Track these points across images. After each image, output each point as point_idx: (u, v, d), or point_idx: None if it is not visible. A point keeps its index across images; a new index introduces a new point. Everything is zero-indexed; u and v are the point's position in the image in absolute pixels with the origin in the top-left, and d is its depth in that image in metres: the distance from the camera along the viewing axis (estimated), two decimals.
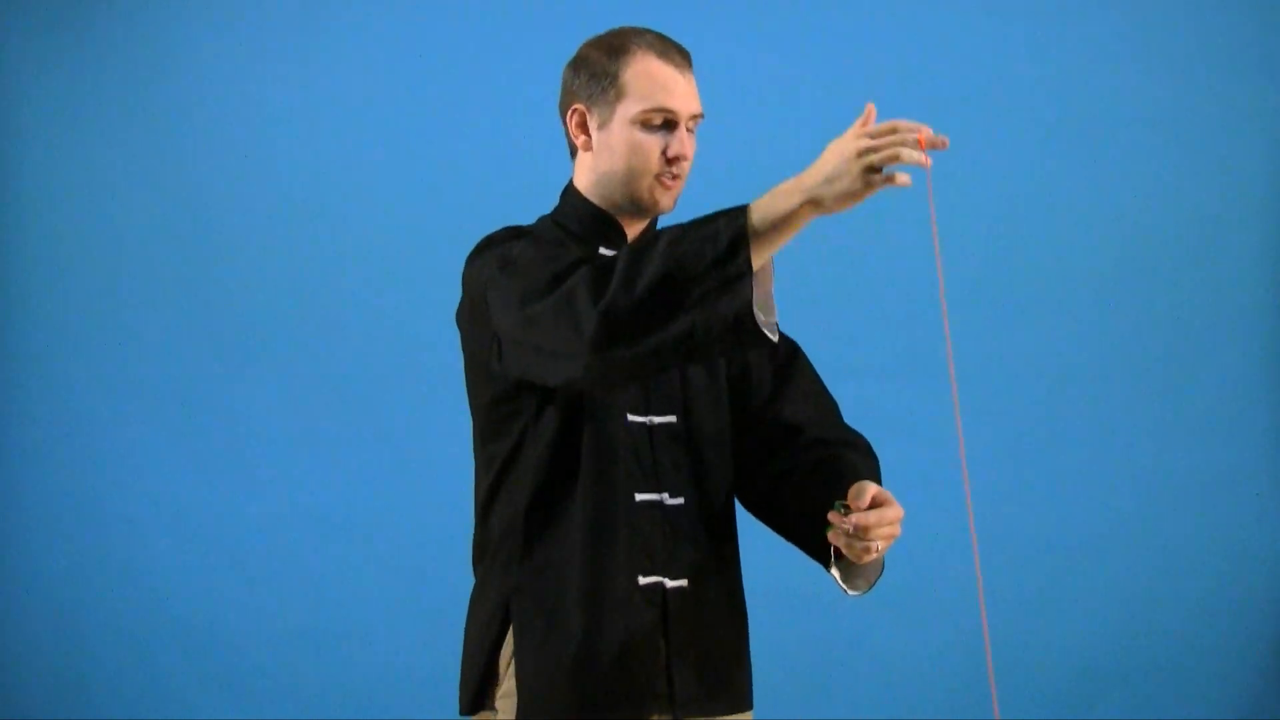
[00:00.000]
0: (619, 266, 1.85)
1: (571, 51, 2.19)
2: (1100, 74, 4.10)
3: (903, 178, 1.76)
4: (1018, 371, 4.07)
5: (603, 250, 2.13)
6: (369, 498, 4.06)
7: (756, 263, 1.81)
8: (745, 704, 2.20)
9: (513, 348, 2.01)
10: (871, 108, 1.83)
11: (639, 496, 2.09)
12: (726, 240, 1.80)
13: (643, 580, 2.09)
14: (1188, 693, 4.01)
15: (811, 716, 3.88)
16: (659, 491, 2.11)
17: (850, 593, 2.14)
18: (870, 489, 1.99)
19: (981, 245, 4.09)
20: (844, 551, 2.02)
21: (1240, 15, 4.08)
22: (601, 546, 2.08)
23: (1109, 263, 4.10)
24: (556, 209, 2.20)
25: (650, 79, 2.09)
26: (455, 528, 3.88)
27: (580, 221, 2.16)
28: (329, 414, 4.08)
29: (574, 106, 2.14)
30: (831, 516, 2.00)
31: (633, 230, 2.17)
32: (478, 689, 2.12)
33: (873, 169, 1.77)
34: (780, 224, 1.82)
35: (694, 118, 2.12)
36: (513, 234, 2.13)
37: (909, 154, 1.75)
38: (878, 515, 1.97)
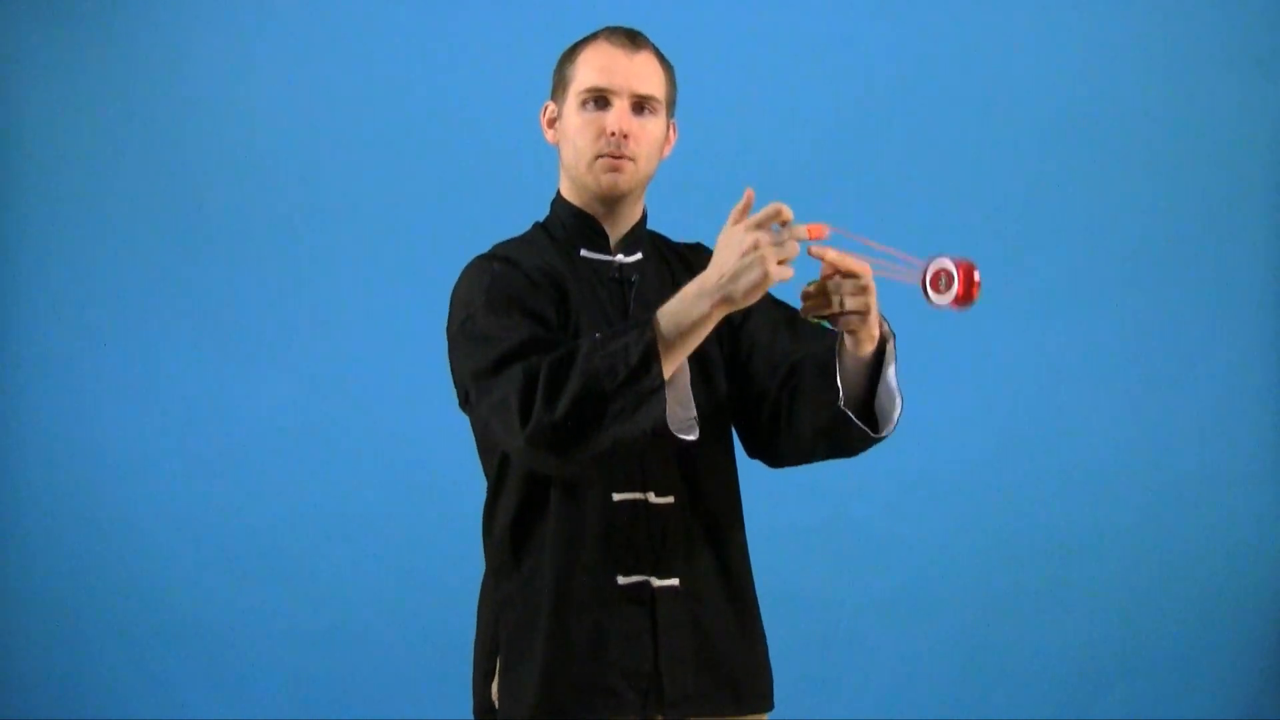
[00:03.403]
0: (541, 380, 1.92)
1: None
2: (1100, 74, 4.10)
3: (790, 270, 1.86)
4: (1018, 371, 4.07)
5: (584, 252, 2.17)
6: (369, 498, 4.06)
7: (669, 369, 1.90)
8: (756, 704, 2.17)
9: (475, 403, 2.07)
10: (750, 193, 1.89)
11: (616, 497, 2.09)
12: (638, 355, 1.88)
13: (623, 580, 2.09)
14: (1188, 693, 4.01)
15: (812, 716, 3.88)
16: (642, 491, 2.10)
17: (874, 434, 2.06)
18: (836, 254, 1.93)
19: (981, 244, 4.08)
20: (832, 323, 1.96)
21: (1240, 15, 4.08)
22: (573, 551, 2.09)
23: (1109, 262, 4.10)
24: (548, 215, 2.24)
25: (594, 61, 2.13)
26: (455, 528, 3.89)
27: (563, 225, 2.20)
28: (329, 414, 4.08)
29: (545, 105, 2.22)
30: (803, 296, 1.92)
31: (616, 227, 2.19)
32: (482, 707, 2.16)
33: (773, 259, 1.84)
34: (691, 329, 1.91)
35: (642, 97, 2.12)
36: (487, 267, 2.13)
37: (796, 245, 1.85)
38: (837, 256, 1.92)
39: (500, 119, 4.04)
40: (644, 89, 2.13)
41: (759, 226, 1.85)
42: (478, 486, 2.21)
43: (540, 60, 4.26)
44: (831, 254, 1.92)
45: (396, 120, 4.12)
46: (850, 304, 1.93)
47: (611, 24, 2.18)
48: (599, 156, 2.12)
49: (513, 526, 2.12)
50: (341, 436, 4.08)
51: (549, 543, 2.10)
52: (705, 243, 2.32)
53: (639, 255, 2.21)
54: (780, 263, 1.84)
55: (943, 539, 4.01)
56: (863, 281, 1.93)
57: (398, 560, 4.05)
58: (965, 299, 1.89)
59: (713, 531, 2.15)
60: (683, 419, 1.93)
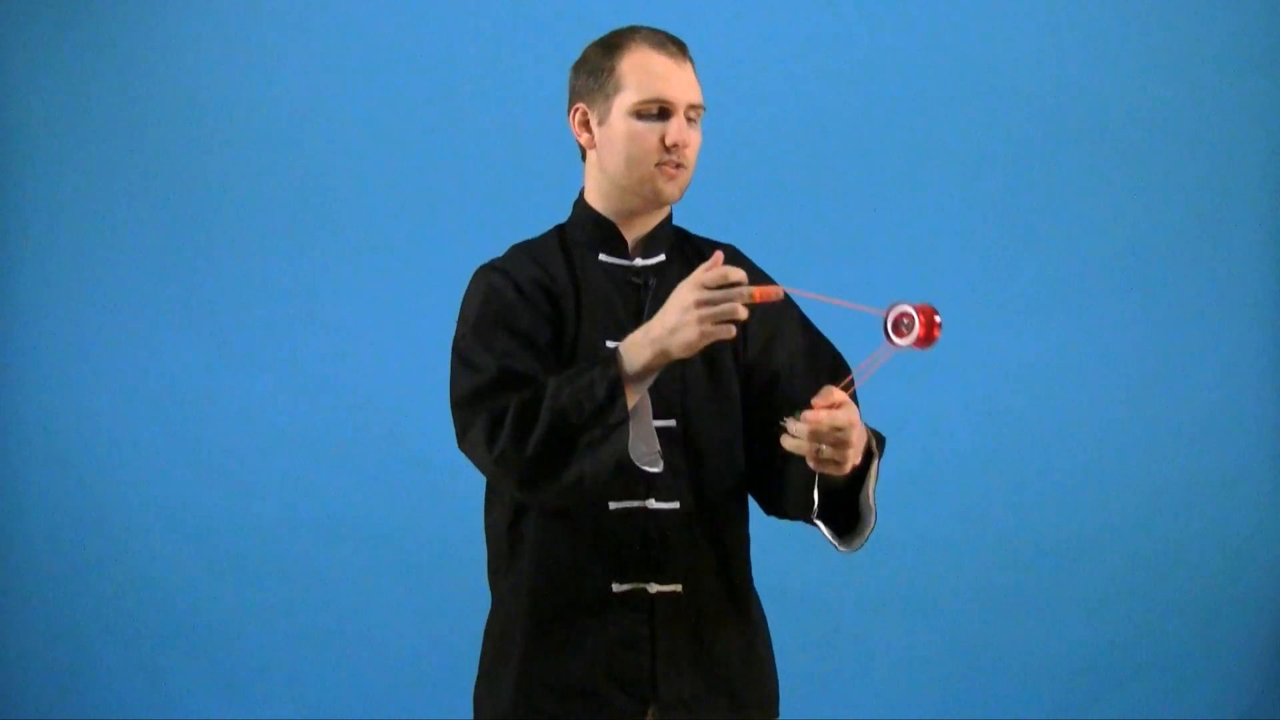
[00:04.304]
0: (509, 419, 1.98)
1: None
2: (1100, 73, 4.10)
3: (729, 329, 1.90)
4: (1018, 370, 4.07)
5: (603, 257, 2.18)
6: (369, 498, 4.06)
7: (631, 403, 1.95)
8: (756, 710, 2.17)
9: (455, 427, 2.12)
10: (719, 255, 1.93)
11: (613, 505, 2.10)
12: (603, 391, 1.94)
13: (618, 587, 2.10)
14: (1188, 693, 4.01)
15: (811, 716, 3.88)
16: (643, 497, 2.10)
17: (841, 548, 2.10)
18: (835, 392, 1.94)
19: (981, 243, 4.09)
20: (805, 457, 1.95)
21: (1240, 15, 4.08)
22: (560, 556, 2.11)
23: (1109, 262, 4.09)
24: (569, 218, 2.25)
25: (645, 69, 2.11)
26: (455, 528, 3.88)
27: (583, 229, 2.20)
28: (329, 414, 4.08)
29: (576, 105, 2.18)
30: (786, 420, 1.94)
31: (636, 230, 2.19)
32: (475, 705, 2.19)
33: (707, 320, 1.89)
34: (642, 371, 1.96)
35: (693, 107, 2.12)
36: (485, 279, 2.17)
37: (741, 310, 1.88)
38: (828, 415, 1.92)
39: (501, 121, 4.04)
40: (697, 99, 2.13)
41: (703, 287, 1.89)
42: (477, 486, 2.21)
43: (541, 61, 4.26)
44: (811, 416, 1.92)
45: (396, 121, 4.11)
46: (827, 453, 1.94)
47: (633, 24, 2.17)
48: (659, 165, 2.11)
49: (509, 529, 2.14)
50: (342, 437, 4.08)
51: (535, 547, 2.12)
52: (735, 245, 2.31)
53: (660, 257, 2.20)
54: (718, 323, 1.88)
55: (942, 539, 4.01)
56: (843, 435, 1.93)
57: (397, 560, 4.05)
58: (927, 340, 1.93)
59: (718, 538, 2.15)
60: (646, 453, 1.97)
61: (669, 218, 2.23)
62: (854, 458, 1.96)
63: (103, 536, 4.09)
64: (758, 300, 1.89)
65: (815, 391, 2.04)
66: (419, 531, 4.02)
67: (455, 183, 4.09)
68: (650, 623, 2.10)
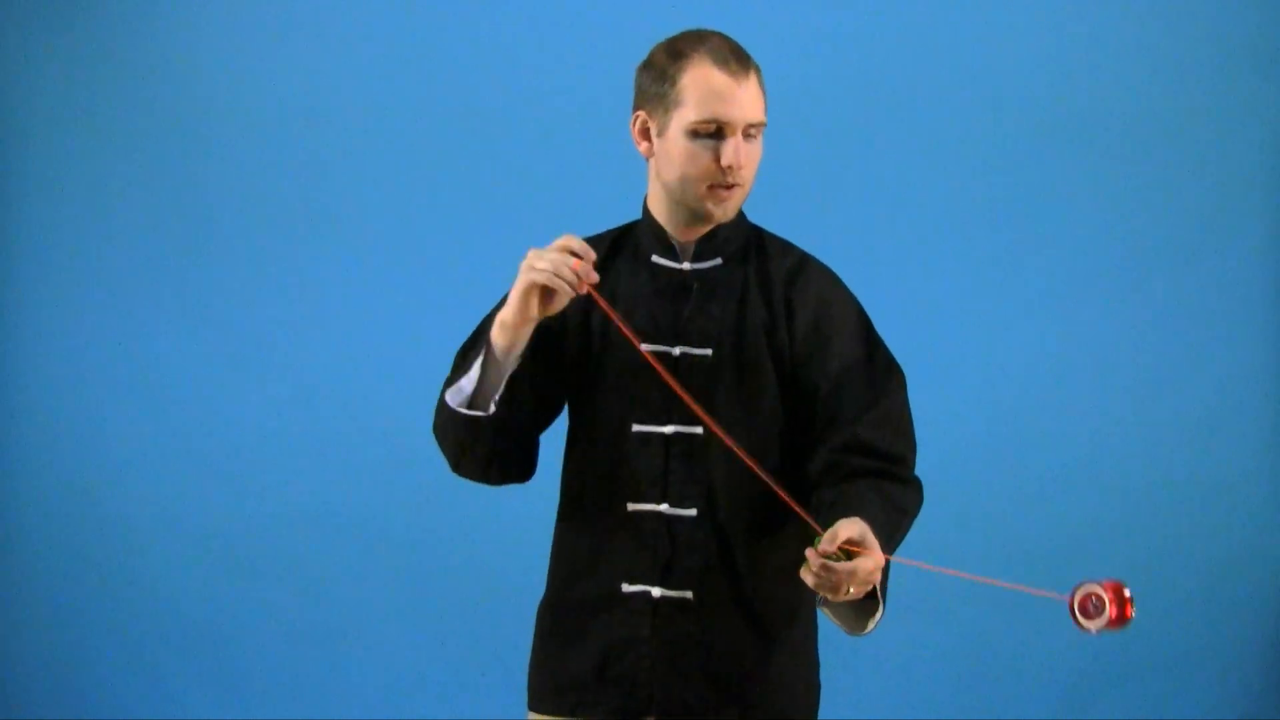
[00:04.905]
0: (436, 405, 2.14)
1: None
2: (1100, 73, 4.10)
3: (560, 301, 1.98)
4: (1017, 370, 4.06)
5: (654, 259, 2.18)
6: (369, 497, 4.06)
7: (497, 378, 2.05)
8: (766, 715, 2.15)
9: None
10: (569, 238, 1.99)
11: (631, 507, 2.11)
12: (478, 370, 2.05)
13: (627, 588, 2.11)
14: (1188, 693, 4.01)
15: None
16: (658, 502, 2.11)
17: (849, 632, 2.06)
18: (843, 532, 1.91)
19: (982, 243, 4.09)
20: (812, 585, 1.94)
21: (1239, 15, 4.08)
22: (577, 554, 2.15)
23: (1108, 262, 4.09)
24: (640, 218, 2.25)
25: (705, 87, 2.07)
26: (456, 528, 3.89)
27: (643, 232, 2.21)
28: (328, 413, 4.08)
29: (637, 112, 2.15)
30: (808, 551, 1.91)
31: (693, 234, 2.18)
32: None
33: (532, 285, 1.97)
34: (502, 349, 2.04)
35: (752, 126, 2.09)
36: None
37: (564, 278, 1.95)
38: (827, 567, 1.89)
39: (501, 121, 4.03)
40: (756, 117, 2.09)
41: (540, 255, 1.96)
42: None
43: (543, 60, 4.24)
44: (854, 541, 1.92)
45: (396, 122, 4.11)
46: (828, 595, 1.94)
47: (699, 30, 2.15)
48: (712, 187, 2.09)
49: (555, 523, 2.21)
50: (341, 436, 4.08)
51: (559, 541, 2.19)
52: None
53: (716, 261, 2.18)
54: (539, 270, 1.94)
55: (942, 538, 4.00)
56: (846, 578, 1.92)
57: (397, 560, 4.05)
58: (1119, 621, 1.91)
59: (731, 545, 2.12)
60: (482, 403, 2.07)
61: (736, 219, 2.20)
62: (858, 592, 1.94)
63: (102, 536, 4.09)
64: (576, 268, 1.95)
65: (865, 405, 2.11)
66: (419, 531, 4.01)
67: (455, 182, 4.08)
68: (652, 626, 2.10)
